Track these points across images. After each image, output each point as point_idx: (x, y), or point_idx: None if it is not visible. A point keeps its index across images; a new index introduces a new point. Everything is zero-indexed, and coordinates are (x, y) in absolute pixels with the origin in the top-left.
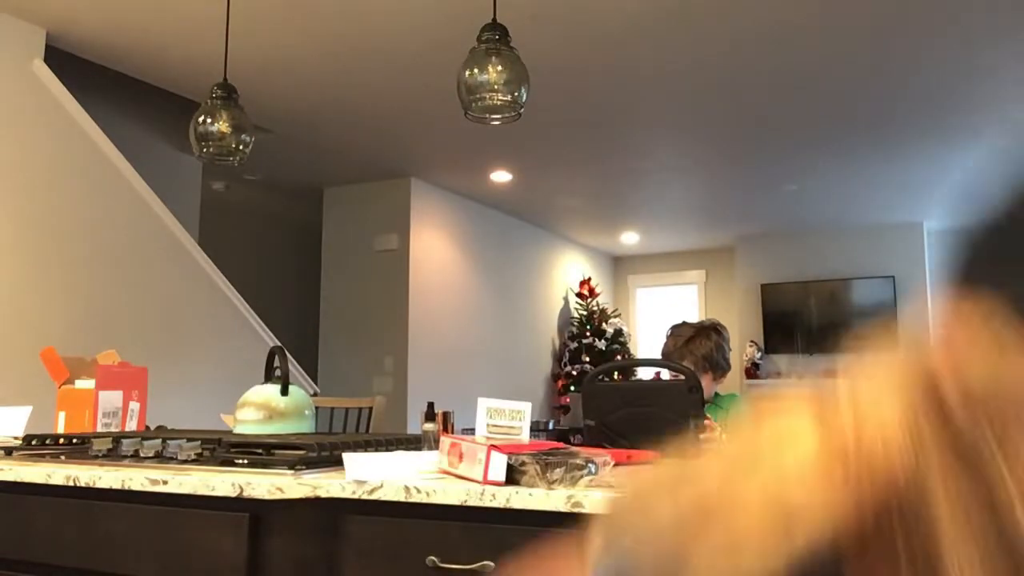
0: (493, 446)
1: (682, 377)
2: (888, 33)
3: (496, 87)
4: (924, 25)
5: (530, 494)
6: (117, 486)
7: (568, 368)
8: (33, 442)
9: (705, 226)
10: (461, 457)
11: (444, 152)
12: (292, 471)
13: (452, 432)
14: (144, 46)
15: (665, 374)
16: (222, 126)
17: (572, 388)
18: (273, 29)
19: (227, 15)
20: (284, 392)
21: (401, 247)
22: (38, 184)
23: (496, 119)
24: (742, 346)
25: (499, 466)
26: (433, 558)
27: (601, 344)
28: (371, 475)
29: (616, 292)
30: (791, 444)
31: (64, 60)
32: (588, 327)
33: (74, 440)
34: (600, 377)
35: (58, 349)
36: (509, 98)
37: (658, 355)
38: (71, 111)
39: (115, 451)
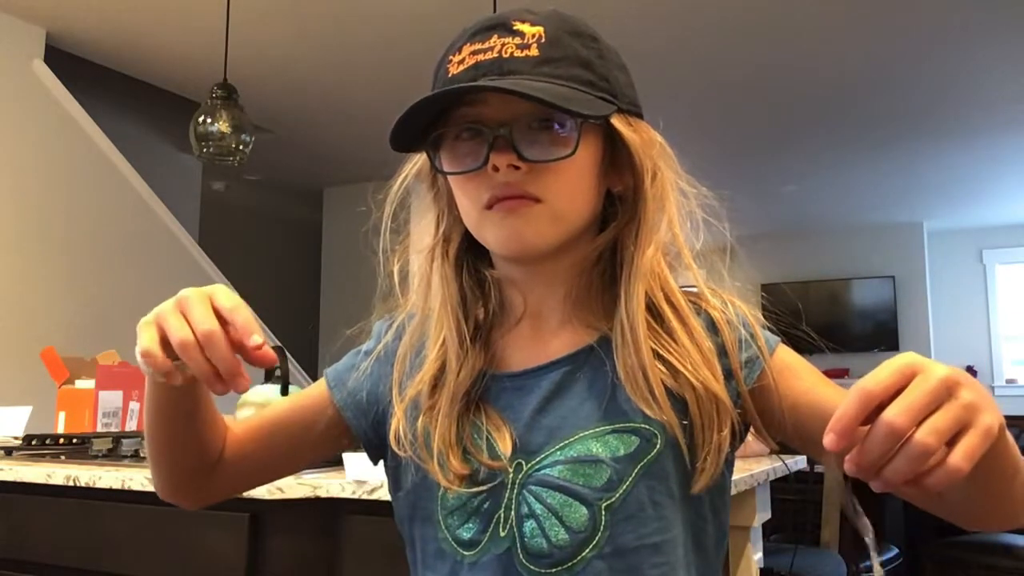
0: None
1: None
2: (887, 32)
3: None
4: (923, 24)
5: None
6: (117, 486)
7: None
8: (33, 442)
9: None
10: None
11: None
12: None
13: None
14: (144, 46)
15: None
16: (222, 126)
17: None
18: (273, 29)
19: (227, 15)
20: (284, 392)
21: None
22: (38, 184)
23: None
24: None
25: None
26: None
27: None
28: (371, 475)
29: None
30: None
31: (64, 60)
32: None
33: (74, 440)
34: None
35: (58, 349)
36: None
37: None
38: (71, 111)
39: (115, 451)
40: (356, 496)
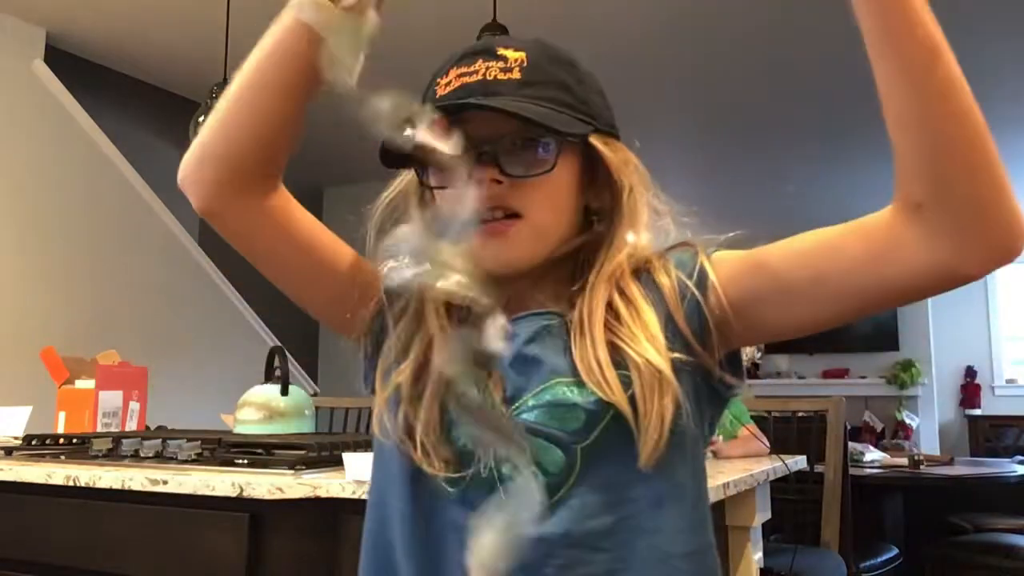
0: None
1: None
2: None
3: None
4: None
5: None
6: (117, 486)
7: None
8: (33, 442)
9: (704, 226)
10: None
11: None
12: (292, 471)
13: None
14: (144, 46)
15: None
16: None
17: None
18: None
19: (227, 15)
20: (284, 392)
21: None
22: (38, 184)
23: None
24: None
25: None
26: None
27: None
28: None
29: None
30: None
31: (64, 60)
32: None
33: (74, 440)
34: None
35: (58, 349)
36: None
37: None
38: (71, 111)
39: (115, 451)
40: (356, 496)
